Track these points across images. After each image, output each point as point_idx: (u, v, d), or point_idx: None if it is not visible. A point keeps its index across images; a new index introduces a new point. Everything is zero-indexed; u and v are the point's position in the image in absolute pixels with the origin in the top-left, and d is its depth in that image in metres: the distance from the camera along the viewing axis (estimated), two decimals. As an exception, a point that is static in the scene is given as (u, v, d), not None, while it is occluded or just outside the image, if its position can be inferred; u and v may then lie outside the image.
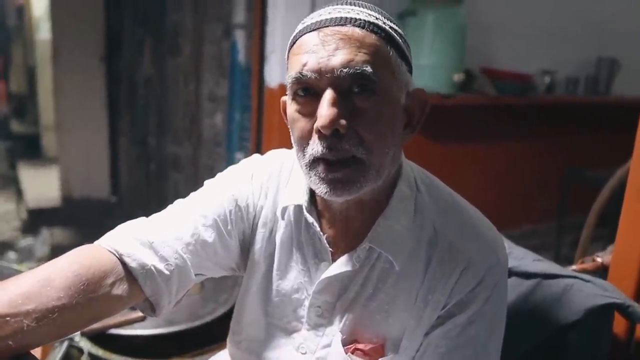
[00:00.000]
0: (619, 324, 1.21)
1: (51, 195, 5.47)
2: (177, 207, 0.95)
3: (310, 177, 0.82)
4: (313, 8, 2.64)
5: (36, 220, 5.02)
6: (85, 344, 1.70)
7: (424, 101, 0.88)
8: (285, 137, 2.84)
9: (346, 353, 0.91)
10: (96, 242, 0.84)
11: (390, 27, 0.82)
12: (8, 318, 0.64)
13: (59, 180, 5.36)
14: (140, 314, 1.59)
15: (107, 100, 5.06)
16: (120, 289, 0.79)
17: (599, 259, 1.37)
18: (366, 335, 0.91)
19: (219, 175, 1.01)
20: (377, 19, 0.81)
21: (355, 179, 0.80)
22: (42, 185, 5.88)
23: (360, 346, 0.91)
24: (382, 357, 0.89)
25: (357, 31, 0.78)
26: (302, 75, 0.79)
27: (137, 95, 4.26)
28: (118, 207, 5.29)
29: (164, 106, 3.62)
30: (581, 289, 1.11)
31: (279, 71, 2.61)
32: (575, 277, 1.14)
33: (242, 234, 0.98)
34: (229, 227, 0.95)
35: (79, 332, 1.67)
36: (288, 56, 0.86)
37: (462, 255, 0.86)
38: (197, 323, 1.88)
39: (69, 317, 0.72)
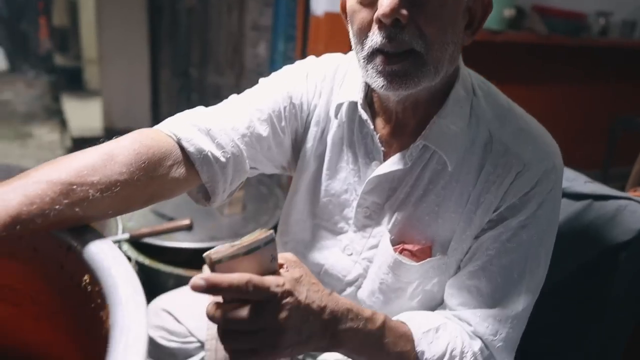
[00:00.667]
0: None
1: (94, 126, 5.59)
2: (233, 101, 0.96)
3: (367, 70, 0.82)
4: None
5: (79, 149, 5.16)
6: (133, 253, 1.78)
7: (488, 2, 0.86)
8: None
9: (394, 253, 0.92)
10: (155, 127, 0.85)
11: None
12: (75, 186, 0.67)
13: (101, 111, 5.47)
14: (186, 222, 1.65)
15: (149, 32, 5.07)
16: (178, 172, 0.81)
17: (651, 189, 1.34)
18: (414, 237, 0.92)
19: (274, 73, 1.02)
20: None
21: (412, 73, 0.79)
22: (85, 116, 6.01)
23: (408, 247, 0.92)
24: (429, 258, 0.91)
25: None
26: None
27: (179, 26, 4.24)
28: (158, 139, 5.37)
29: (207, 37, 3.61)
30: (635, 209, 1.10)
31: (325, 0, 2.56)
32: (629, 199, 1.13)
33: (294, 132, 0.99)
34: (282, 124, 0.96)
35: (127, 241, 1.73)
36: None
37: (518, 159, 0.85)
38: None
39: (130, 193, 0.74)
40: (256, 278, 0.63)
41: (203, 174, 0.84)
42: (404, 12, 0.76)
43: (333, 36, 2.63)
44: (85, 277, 0.67)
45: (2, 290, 0.82)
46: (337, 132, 0.98)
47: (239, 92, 0.98)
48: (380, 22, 0.77)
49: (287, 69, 1.02)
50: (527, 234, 0.85)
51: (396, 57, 0.78)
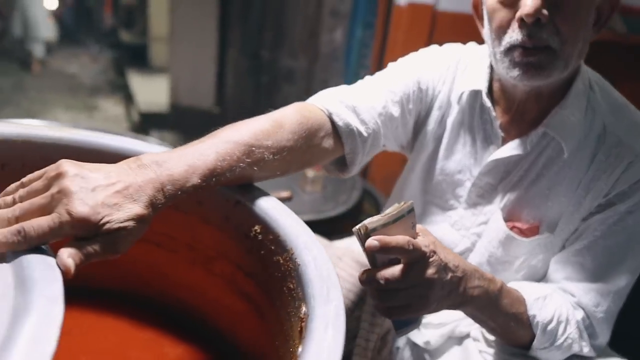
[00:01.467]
0: None
1: (160, 102, 5.81)
2: (369, 82, 1.06)
3: (504, 62, 0.91)
4: None
5: (145, 124, 5.39)
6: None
7: (614, 2, 0.93)
8: (408, 49, 2.89)
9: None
10: (308, 101, 0.96)
11: None
12: (254, 148, 0.77)
13: (168, 88, 5.68)
14: (287, 194, 1.76)
15: (219, 12, 5.21)
16: (328, 143, 0.91)
17: None
18: (523, 216, 1.00)
19: (401, 59, 1.11)
20: None
21: (546, 66, 0.88)
22: (150, 92, 6.24)
23: (517, 224, 1.01)
24: (537, 235, 0.98)
25: None
26: None
27: (252, 8, 4.36)
28: (221, 117, 5.55)
29: (282, 20, 3.71)
30: None
31: (411, -10, 2.62)
32: None
33: (418, 114, 1.08)
34: (410, 106, 1.05)
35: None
36: None
37: (631, 150, 0.93)
38: (319, 216, 2.04)
39: (293, 157, 0.84)
40: (412, 239, 0.72)
41: (347, 146, 0.94)
42: (545, 12, 0.84)
43: (414, 26, 2.69)
44: (256, 227, 0.78)
45: (161, 237, 0.94)
46: (457, 116, 1.06)
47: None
48: (522, 20, 0.86)
49: (414, 56, 1.11)
50: (633, 219, 0.93)
51: (533, 51, 0.87)
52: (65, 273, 0.55)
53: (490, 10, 0.92)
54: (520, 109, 1.00)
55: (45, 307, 0.49)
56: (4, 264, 0.55)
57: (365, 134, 0.95)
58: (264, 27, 4.05)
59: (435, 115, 1.08)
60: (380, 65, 2.82)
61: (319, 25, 3.33)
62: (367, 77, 1.08)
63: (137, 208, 0.62)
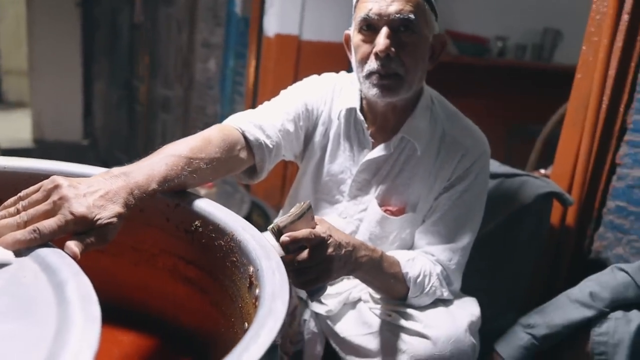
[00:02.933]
0: (555, 212, 1.69)
1: (22, 137, 5.56)
2: (268, 106, 1.32)
3: (366, 84, 1.23)
4: (308, -33, 2.96)
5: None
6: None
7: (444, 42, 1.30)
8: (278, 80, 3.29)
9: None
10: (224, 122, 1.20)
11: None
12: (192, 159, 0.99)
13: (30, 123, 5.46)
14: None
15: (82, 44, 5.18)
16: (243, 154, 1.14)
17: (542, 171, 1.85)
18: (392, 202, 1.33)
19: (291, 87, 1.39)
20: None
21: (394, 87, 1.21)
22: (9, 128, 5.94)
23: (389, 208, 1.33)
24: (404, 214, 1.31)
25: None
26: (368, 16, 1.18)
27: (120, 39, 4.44)
28: (91, 149, 5.47)
29: (155, 51, 3.86)
30: (533, 182, 1.58)
31: (276, 23, 2.94)
32: (529, 176, 1.61)
33: (307, 129, 1.37)
34: (300, 123, 1.33)
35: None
36: (356, 4, 1.24)
37: (462, 146, 1.29)
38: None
39: (219, 166, 1.05)
40: (313, 230, 1.01)
41: (257, 156, 1.19)
42: (393, 49, 1.17)
43: (282, 55, 3.02)
44: (196, 222, 1.01)
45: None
46: (337, 129, 1.36)
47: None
48: (376, 54, 1.18)
49: (300, 83, 1.40)
50: (468, 195, 1.29)
51: (385, 77, 1.20)
52: (73, 257, 0.74)
53: (355, 45, 1.24)
54: (382, 120, 1.32)
55: (85, 326, 0.61)
56: (29, 261, 0.73)
57: (270, 145, 1.21)
58: (135, 58, 4.15)
59: (320, 129, 1.37)
60: (255, 92, 3.11)
61: (192, 56, 3.53)
62: (266, 102, 1.34)
63: (117, 207, 0.81)
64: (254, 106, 3.11)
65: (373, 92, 1.21)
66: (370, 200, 1.33)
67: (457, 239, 1.28)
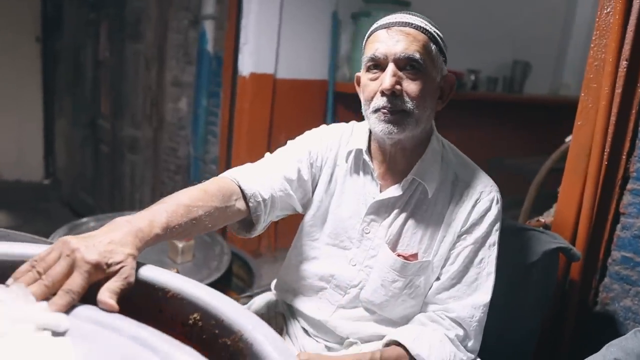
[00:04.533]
0: (560, 266, 1.62)
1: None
2: (270, 157, 1.29)
3: (373, 120, 1.19)
4: (282, 6, 2.90)
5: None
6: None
7: (452, 83, 1.26)
8: (254, 119, 3.19)
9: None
10: (221, 175, 1.19)
11: (434, 31, 1.20)
12: (191, 207, 1.00)
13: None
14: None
15: (43, 82, 4.99)
16: (239, 205, 1.14)
17: (542, 219, 1.78)
18: (403, 247, 1.25)
19: (299, 137, 1.35)
20: (426, 24, 1.19)
21: (401, 122, 1.17)
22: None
23: (401, 253, 1.25)
24: (417, 260, 1.24)
25: (412, 31, 1.17)
26: (375, 56, 1.17)
27: (83, 78, 4.27)
28: (53, 189, 5.23)
29: (120, 90, 3.71)
30: (539, 237, 1.50)
31: (251, 62, 2.85)
32: (534, 230, 1.53)
33: (312, 177, 1.31)
34: (304, 172, 1.28)
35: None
36: (365, 44, 1.23)
37: (476, 191, 1.24)
38: (196, 285, 2.10)
39: (217, 215, 1.07)
40: None
41: (252, 208, 1.15)
42: (399, 87, 1.14)
43: (257, 93, 2.93)
44: (195, 315, 0.88)
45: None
46: (344, 173, 1.30)
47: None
48: (383, 92, 1.15)
49: (307, 133, 1.36)
50: (488, 243, 1.23)
51: (392, 113, 1.16)
52: (111, 310, 0.75)
53: (363, 84, 1.21)
54: (392, 161, 1.26)
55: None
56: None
57: (266, 197, 1.18)
58: (99, 97, 3.99)
59: (325, 176, 1.31)
60: (230, 131, 2.99)
61: (162, 95, 3.40)
62: (268, 155, 1.31)
63: (127, 249, 0.83)
64: (229, 147, 3.01)
65: (380, 127, 1.17)
66: (381, 245, 1.26)
67: (479, 294, 1.22)
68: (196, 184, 1.10)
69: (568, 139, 2.11)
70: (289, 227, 3.22)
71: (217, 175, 1.21)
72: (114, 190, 3.86)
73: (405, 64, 1.15)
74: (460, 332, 1.21)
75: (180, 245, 2.24)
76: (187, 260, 2.26)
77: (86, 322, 0.73)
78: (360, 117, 1.28)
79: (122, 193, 3.83)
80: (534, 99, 4.58)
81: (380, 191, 1.27)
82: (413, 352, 1.14)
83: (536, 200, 2.08)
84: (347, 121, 1.37)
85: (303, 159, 1.29)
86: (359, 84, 1.29)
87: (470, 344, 1.22)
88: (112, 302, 0.76)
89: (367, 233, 1.28)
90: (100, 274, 0.79)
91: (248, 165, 1.26)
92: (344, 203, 1.30)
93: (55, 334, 0.70)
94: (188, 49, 3.24)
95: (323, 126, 1.38)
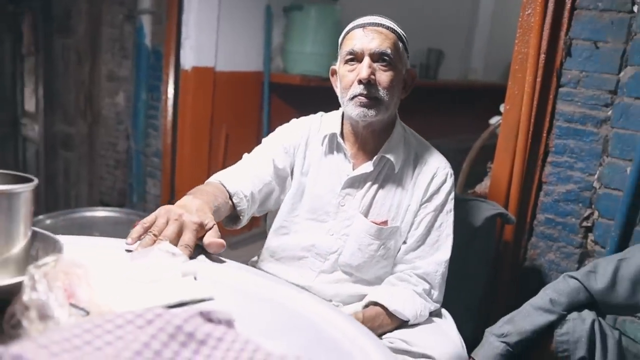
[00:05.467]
0: (496, 229, 1.91)
1: None
2: (249, 159, 1.48)
3: (350, 105, 1.40)
4: (220, 1, 3.00)
5: None
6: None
7: (414, 76, 1.50)
8: (197, 112, 3.34)
9: None
10: (207, 181, 1.39)
11: (401, 32, 1.43)
12: (214, 198, 1.24)
13: None
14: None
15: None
16: (228, 203, 1.33)
17: (476, 191, 2.06)
18: (376, 215, 1.46)
19: (271, 134, 1.53)
20: (394, 26, 1.42)
21: (375, 106, 1.38)
22: None
23: (374, 220, 1.45)
24: (387, 225, 1.45)
25: (384, 30, 1.40)
26: (354, 50, 1.38)
27: (3, 73, 4.11)
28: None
29: (50, 85, 3.63)
30: (481, 206, 1.77)
31: (192, 56, 2.93)
32: (476, 200, 1.80)
33: (290, 164, 1.50)
34: (281, 165, 1.47)
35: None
36: (342, 41, 1.44)
37: (433, 166, 1.47)
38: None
39: (221, 209, 1.27)
40: None
41: (236, 204, 1.35)
42: (373, 77, 1.37)
43: (199, 86, 3.02)
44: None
45: None
46: (319, 155, 1.49)
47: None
48: (360, 81, 1.36)
49: (279, 129, 1.55)
50: (445, 210, 1.47)
51: (367, 99, 1.37)
52: (222, 246, 1.02)
53: (341, 75, 1.42)
54: (363, 142, 1.47)
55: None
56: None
57: (247, 194, 1.37)
58: (22, 94, 3.86)
59: (299, 161, 1.50)
60: (174, 123, 3.06)
61: (96, 89, 3.38)
62: (246, 155, 1.50)
63: (209, 214, 1.10)
64: (174, 139, 3.08)
65: (357, 111, 1.38)
66: (355, 215, 1.45)
67: (441, 253, 1.45)
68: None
69: (492, 120, 2.42)
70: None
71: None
72: (47, 188, 3.78)
73: (378, 58, 1.37)
74: (427, 286, 1.43)
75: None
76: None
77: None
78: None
79: (56, 191, 3.76)
80: (447, 84, 4.97)
81: (353, 168, 1.46)
82: (390, 308, 1.35)
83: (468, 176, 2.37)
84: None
85: (277, 151, 1.48)
86: (332, 75, 1.51)
87: (435, 295, 1.45)
88: (222, 242, 1.02)
89: (342, 205, 1.46)
90: (201, 231, 1.03)
91: (229, 168, 1.46)
92: (320, 181, 1.48)
93: (195, 278, 0.91)
94: (124, 42, 3.24)
95: (293, 120, 1.57)
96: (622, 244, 1.73)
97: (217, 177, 1.38)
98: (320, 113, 1.59)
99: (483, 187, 2.07)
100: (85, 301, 0.72)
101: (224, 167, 1.48)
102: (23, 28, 3.53)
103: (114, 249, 1.01)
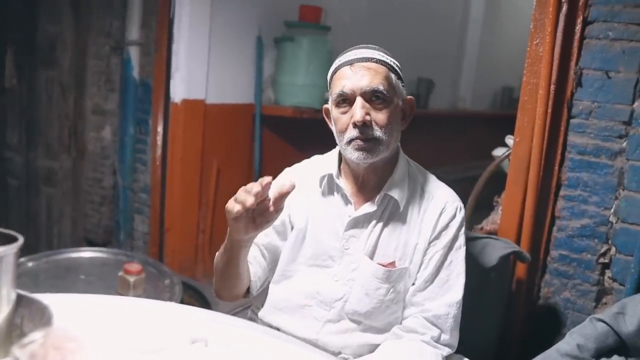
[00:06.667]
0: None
1: None
2: None
3: (348, 150, 1.32)
4: (211, 32, 2.93)
5: None
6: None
7: (412, 105, 1.42)
8: (188, 145, 3.23)
9: None
10: None
11: (392, 61, 1.35)
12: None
13: None
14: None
15: None
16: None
17: (485, 227, 1.98)
18: (381, 257, 1.36)
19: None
20: (383, 56, 1.34)
21: (374, 149, 1.31)
22: None
23: (381, 262, 1.36)
24: (395, 267, 1.35)
25: (373, 65, 1.31)
26: (343, 92, 1.30)
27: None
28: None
29: (33, 119, 3.50)
30: (494, 244, 1.68)
31: (183, 88, 2.85)
32: (488, 237, 1.71)
33: (287, 218, 1.43)
34: (279, 222, 1.41)
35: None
36: (331, 80, 1.36)
37: (441, 201, 1.39)
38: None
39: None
40: None
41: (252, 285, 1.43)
42: (368, 117, 1.28)
43: (190, 119, 2.93)
44: None
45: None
46: (318, 198, 1.41)
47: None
48: (355, 124, 1.27)
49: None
50: (455, 248, 1.37)
51: (365, 141, 1.29)
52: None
53: (335, 118, 1.34)
54: (364, 181, 1.39)
55: None
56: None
57: (260, 275, 1.43)
58: (5, 127, 3.73)
59: (295, 211, 1.42)
60: (164, 158, 2.95)
61: (81, 123, 3.27)
62: None
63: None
64: (163, 174, 2.96)
65: (355, 155, 1.31)
66: (361, 258, 1.36)
67: (452, 293, 1.35)
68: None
69: (496, 151, 2.35)
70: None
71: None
72: (28, 226, 3.62)
73: (371, 96, 1.29)
74: (436, 332, 1.33)
75: (131, 279, 2.19)
76: (139, 293, 2.20)
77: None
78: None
79: (38, 229, 3.60)
80: (438, 113, 4.94)
81: (355, 209, 1.38)
82: None
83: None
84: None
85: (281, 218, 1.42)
86: (327, 115, 1.43)
87: (447, 339, 1.34)
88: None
89: (346, 249, 1.37)
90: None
91: None
92: (321, 225, 1.40)
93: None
94: (110, 75, 3.15)
95: (285, 170, 1.51)
96: (643, 282, 1.65)
97: None
98: (315, 156, 1.52)
99: (490, 222, 1.99)
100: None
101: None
102: (5, 60, 3.42)
103: (109, 307, 0.90)
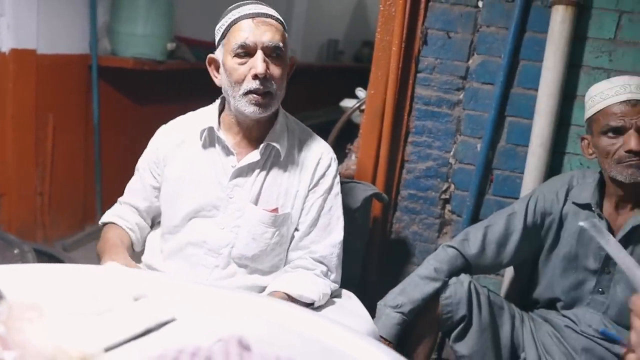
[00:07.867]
0: (369, 207, 2.02)
1: None
2: (128, 191, 1.57)
3: (242, 102, 1.36)
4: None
5: None
6: None
7: (294, 63, 1.49)
8: (19, 100, 2.99)
9: None
10: (104, 219, 1.54)
11: (283, 21, 1.41)
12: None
13: None
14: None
15: None
16: (129, 238, 1.50)
17: (341, 172, 2.16)
18: (266, 203, 1.45)
19: (144, 153, 1.55)
20: (278, 15, 1.41)
21: (269, 103, 1.38)
22: None
23: (265, 208, 1.44)
24: (279, 212, 1.45)
25: (274, 22, 1.39)
26: (246, 44, 1.34)
27: None
28: None
29: None
30: (357, 187, 1.86)
31: (10, 36, 2.53)
32: (352, 182, 1.89)
33: (158, 175, 1.51)
34: (157, 183, 1.50)
35: None
36: (228, 31, 1.37)
37: (318, 152, 1.50)
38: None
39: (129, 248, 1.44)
40: None
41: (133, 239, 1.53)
42: (268, 71, 1.34)
43: (20, 72, 2.63)
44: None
45: None
46: (197, 150, 1.45)
47: None
48: (255, 76, 1.33)
49: (150, 142, 1.55)
50: (333, 194, 1.51)
51: (262, 95, 1.35)
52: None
53: (230, 68, 1.36)
54: (247, 132, 1.44)
55: None
56: None
57: (143, 223, 1.55)
58: None
59: (171, 167, 1.47)
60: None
61: None
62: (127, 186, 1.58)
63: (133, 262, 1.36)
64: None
65: (251, 110, 1.36)
66: (246, 205, 1.43)
67: (334, 235, 1.50)
68: None
69: (345, 102, 2.55)
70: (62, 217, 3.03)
71: None
72: None
73: (271, 52, 1.35)
74: (324, 268, 1.47)
75: (-26, 249, 1.98)
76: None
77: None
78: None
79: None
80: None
81: (237, 159, 1.43)
82: (293, 293, 1.36)
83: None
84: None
85: (149, 173, 1.52)
86: (211, 64, 1.46)
87: (333, 276, 1.50)
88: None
89: (231, 198, 1.43)
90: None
91: (119, 204, 1.57)
92: (203, 177, 1.45)
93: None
94: None
95: (161, 128, 1.56)
96: (475, 212, 1.98)
97: (109, 218, 1.52)
98: (189, 113, 1.55)
99: (345, 167, 2.17)
100: (50, 348, 0.63)
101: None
102: None
103: (43, 276, 0.87)
